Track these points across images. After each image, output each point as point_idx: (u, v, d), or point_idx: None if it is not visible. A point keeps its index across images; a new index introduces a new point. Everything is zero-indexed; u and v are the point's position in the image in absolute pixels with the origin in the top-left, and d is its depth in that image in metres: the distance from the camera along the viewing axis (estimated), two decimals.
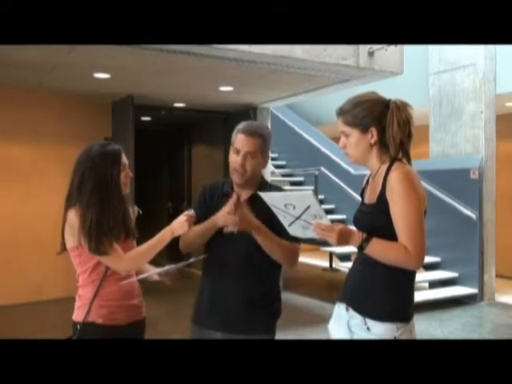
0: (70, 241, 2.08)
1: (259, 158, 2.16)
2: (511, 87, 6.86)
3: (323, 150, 8.94)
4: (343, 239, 1.74)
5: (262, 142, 2.16)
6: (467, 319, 5.77)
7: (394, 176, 1.78)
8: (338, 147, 2.07)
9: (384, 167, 1.86)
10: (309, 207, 1.72)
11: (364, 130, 1.87)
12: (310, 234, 1.80)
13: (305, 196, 1.73)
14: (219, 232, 2.16)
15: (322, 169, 8.18)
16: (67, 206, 2.10)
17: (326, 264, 8.96)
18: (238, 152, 2.14)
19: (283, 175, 9.24)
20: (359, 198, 2.08)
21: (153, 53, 4.44)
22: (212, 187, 2.31)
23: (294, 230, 1.86)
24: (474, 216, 6.40)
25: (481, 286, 6.45)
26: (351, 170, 7.92)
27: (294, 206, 1.74)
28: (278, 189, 2.34)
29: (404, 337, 1.79)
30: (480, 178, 6.44)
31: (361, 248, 1.76)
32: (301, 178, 8.97)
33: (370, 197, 1.92)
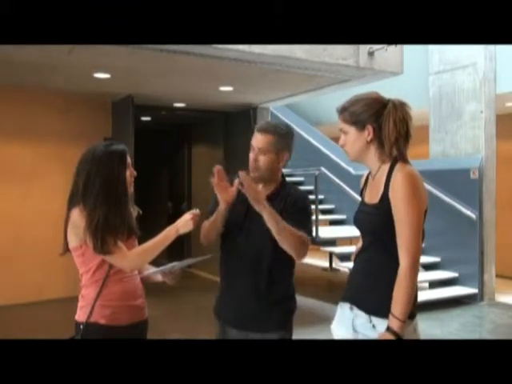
0: (74, 240, 2.07)
1: (272, 155, 2.19)
2: (511, 87, 6.86)
3: (323, 149, 8.94)
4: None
5: (274, 139, 2.18)
6: (467, 319, 5.77)
7: (399, 179, 1.78)
8: (338, 147, 2.07)
9: (385, 167, 1.86)
10: None
11: (361, 127, 1.87)
12: None
13: None
14: (233, 229, 2.20)
15: (322, 169, 8.17)
16: (70, 206, 2.09)
17: (326, 264, 8.96)
18: (252, 149, 2.20)
19: (283, 175, 9.23)
20: (359, 198, 2.08)
21: (153, 53, 4.44)
22: None
23: None
24: (474, 216, 6.40)
25: (481, 286, 6.45)
26: (351, 170, 7.91)
27: None
28: (298, 190, 2.35)
29: (408, 333, 1.78)
30: (480, 177, 6.44)
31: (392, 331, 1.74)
32: (301, 178, 8.96)
33: (371, 196, 1.92)
